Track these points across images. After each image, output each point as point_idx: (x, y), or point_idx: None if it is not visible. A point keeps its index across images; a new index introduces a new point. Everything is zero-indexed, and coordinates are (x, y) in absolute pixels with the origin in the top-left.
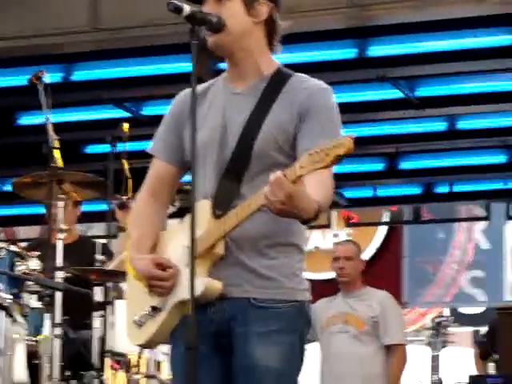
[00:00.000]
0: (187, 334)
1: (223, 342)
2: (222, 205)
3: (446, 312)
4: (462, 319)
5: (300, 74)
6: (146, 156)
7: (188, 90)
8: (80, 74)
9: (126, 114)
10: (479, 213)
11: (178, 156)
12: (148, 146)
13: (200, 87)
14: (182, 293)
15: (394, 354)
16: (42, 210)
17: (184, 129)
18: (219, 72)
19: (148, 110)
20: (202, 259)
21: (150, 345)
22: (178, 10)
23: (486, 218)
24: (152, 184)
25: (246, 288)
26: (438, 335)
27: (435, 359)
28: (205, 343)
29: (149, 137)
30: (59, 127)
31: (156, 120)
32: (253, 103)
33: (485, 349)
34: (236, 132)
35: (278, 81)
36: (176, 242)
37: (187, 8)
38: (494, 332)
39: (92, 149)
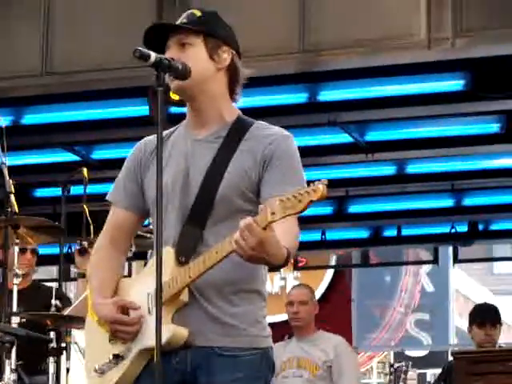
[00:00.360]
0: (156, 382)
1: None
2: (185, 251)
3: (391, 355)
4: (406, 361)
5: (261, 122)
6: (96, 199)
7: (147, 138)
8: (30, 118)
9: (76, 158)
10: (425, 256)
11: (137, 203)
12: (96, 189)
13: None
14: (147, 340)
15: None
16: None
17: (143, 176)
18: (173, 117)
19: (98, 154)
20: (165, 306)
21: None
22: (144, 57)
23: (433, 262)
24: (111, 231)
25: (210, 336)
26: (398, 381)
27: None
28: None
29: (98, 180)
30: (8, 170)
31: (105, 164)
32: (215, 150)
33: None
34: (198, 178)
35: (239, 128)
36: (139, 289)
37: (153, 55)
38: (448, 376)
39: (41, 192)
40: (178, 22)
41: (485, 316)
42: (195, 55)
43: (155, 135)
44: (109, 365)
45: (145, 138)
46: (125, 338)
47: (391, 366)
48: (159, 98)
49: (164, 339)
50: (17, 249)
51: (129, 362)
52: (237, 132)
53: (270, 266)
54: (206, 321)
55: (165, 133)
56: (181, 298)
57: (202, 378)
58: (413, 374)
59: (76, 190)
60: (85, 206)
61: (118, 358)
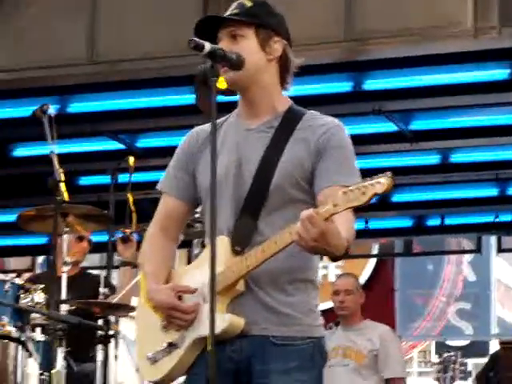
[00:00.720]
0: (208, 371)
1: (243, 380)
2: (241, 241)
3: (433, 344)
4: (448, 351)
5: (313, 112)
6: (139, 188)
7: (199, 127)
8: (76, 106)
9: (121, 146)
10: (467, 245)
11: (188, 193)
12: (140, 178)
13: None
14: (203, 329)
15: None
16: (31, 241)
17: (196, 166)
18: (220, 105)
19: (142, 143)
20: (221, 296)
21: (165, 381)
22: (199, 47)
23: (476, 251)
24: (161, 220)
25: (265, 325)
26: (446, 371)
27: None
28: (223, 381)
29: (142, 169)
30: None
31: (150, 152)
32: (268, 139)
33: (482, 382)
34: (252, 168)
35: (291, 118)
36: (193, 278)
37: (208, 45)
38: (495, 365)
39: (86, 180)
40: (228, 13)
41: None
42: (247, 47)
43: (206, 124)
44: (162, 353)
45: (196, 127)
46: (180, 326)
47: (440, 356)
48: (213, 88)
49: (221, 328)
50: (67, 237)
51: (183, 351)
52: (289, 121)
53: (331, 256)
54: (260, 310)
55: (217, 121)
56: (237, 287)
57: (256, 367)
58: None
59: (122, 178)
60: (129, 195)
61: (171, 346)
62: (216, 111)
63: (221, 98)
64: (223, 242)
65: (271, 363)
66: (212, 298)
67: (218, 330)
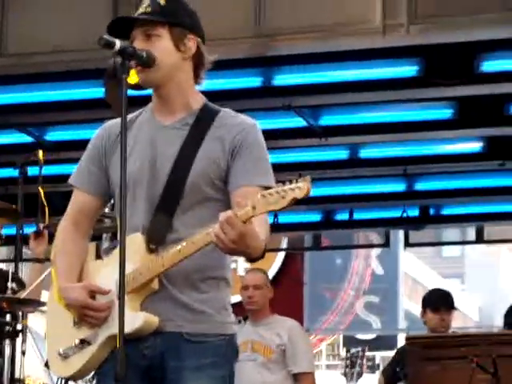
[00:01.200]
0: (117, 367)
1: (156, 376)
2: (155, 239)
3: (341, 338)
4: (356, 344)
5: (227, 110)
6: (49, 181)
7: (111, 122)
8: None
9: (30, 139)
10: (375, 239)
11: (100, 188)
12: (49, 170)
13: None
14: (116, 327)
15: (303, 382)
16: None
17: (108, 161)
18: (130, 100)
19: (52, 136)
20: (135, 293)
21: (76, 377)
22: (109, 44)
23: (384, 245)
24: (74, 214)
25: (179, 322)
26: (353, 366)
27: None
28: (135, 378)
29: (52, 162)
30: None
31: (59, 145)
32: (182, 137)
33: (388, 377)
34: (167, 166)
35: (206, 115)
36: (107, 274)
37: (118, 43)
38: (401, 360)
39: None
40: (141, 11)
41: (439, 301)
42: (161, 46)
43: (119, 119)
44: (74, 349)
45: (108, 122)
46: (94, 323)
47: (347, 351)
48: (124, 84)
49: (135, 327)
50: None
51: (95, 347)
52: (204, 119)
53: (249, 257)
54: (174, 307)
55: (129, 117)
56: (151, 285)
57: (170, 363)
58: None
59: (31, 171)
60: (40, 188)
61: (83, 343)
62: (126, 106)
63: (131, 93)
64: (137, 240)
65: (185, 360)
66: (121, 297)
67: (132, 328)
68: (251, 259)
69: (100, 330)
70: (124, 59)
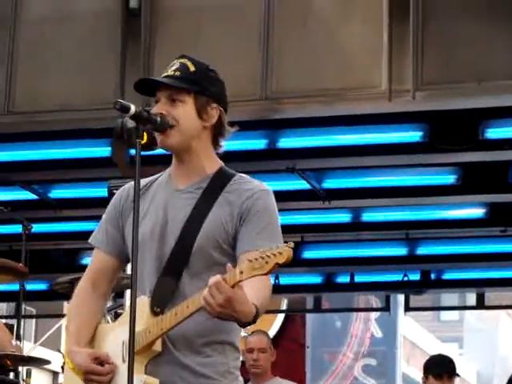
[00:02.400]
0: None
1: None
2: (160, 302)
3: None
4: None
5: (242, 175)
6: (52, 238)
7: (130, 184)
8: None
9: (34, 197)
10: (375, 302)
11: (118, 248)
12: (53, 228)
13: (143, 181)
14: None
15: None
16: None
17: (124, 223)
18: (133, 159)
19: (55, 193)
20: (139, 356)
21: None
22: (124, 109)
23: (385, 309)
24: (92, 274)
25: None
26: None
27: None
28: None
29: (54, 219)
30: None
31: (63, 203)
32: (194, 201)
33: None
34: (176, 229)
35: (220, 180)
36: (114, 337)
37: (133, 108)
38: None
39: None
40: (169, 73)
41: (442, 368)
42: (185, 113)
43: (140, 180)
44: None
45: (129, 183)
46: None
47: None
48: (137, 148)
49: None
50: None
51: None
52: (217, 184)
53: (238, 322)
54: (178, 370)
55: (147, 180)
56: (153, 348)
57: None
58: None
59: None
60: None
61: None
62: (128, 164)
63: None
64: (143, 303)
65: None
66: (131, 359)
67: None
68: (241, 324)
69: None
70: (138, 123)
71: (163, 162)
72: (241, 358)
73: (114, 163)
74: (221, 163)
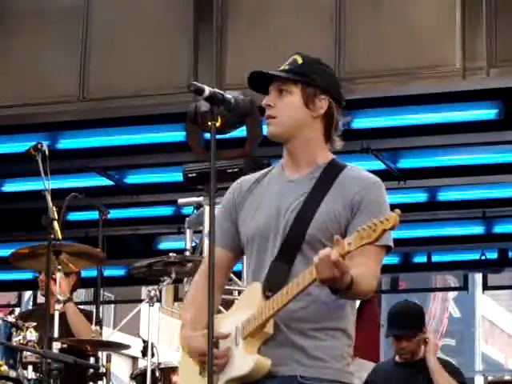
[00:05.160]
0: None
1: None
2: (273, 286)
3: None
4: None
5: (353, 166)
6: (128, 224)
7: (243, 178)
8: (65, 143)
9: (110, 182)
10: (453, 282)
11: (232, 242)
12: (129, 213)
13: (257, 174)
14: (233, 371)
15: None
16: (18, 276)
17: (238, 215)
18: (209, 143)
19: (131, 179)
20: (252, 338)
21: None
22: (199, 91)
23: (463, 288)
24: (207, 268)
25: (294, 367)
26: None
27: None
28: None
29: (130, 205)
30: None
31: (139, 189)
32: (307, 191)
33: None
34: (290, 218)
35: (331, 171)
36: (228, 323)
37: (207, 89)
38: None
39: (75, 216)
40: (281, 68)
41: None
42: (291, 103)
43: (251, 174)
44: None
45: (241, 178)
46: (214, 370)
47: None
48: (212, 130)
49: (247, 369)
50: (59, 274)
51: None
52: (329, 175)
53: (332, 287)
54: (290, 352)
55: (261, 172)
56: (265, 330)
57: None
58: None
59: (111, 214)
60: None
61: None
62: (203, 147)
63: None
64: (255, 288)
65: None
66: (210, 336)
67: (243, 371)
68: (333, 289)
69: (221, 376)
70: (213, 105)
71: (238, 145)
72: (353, 345)
73: (188, 147)
74: (332, 156)
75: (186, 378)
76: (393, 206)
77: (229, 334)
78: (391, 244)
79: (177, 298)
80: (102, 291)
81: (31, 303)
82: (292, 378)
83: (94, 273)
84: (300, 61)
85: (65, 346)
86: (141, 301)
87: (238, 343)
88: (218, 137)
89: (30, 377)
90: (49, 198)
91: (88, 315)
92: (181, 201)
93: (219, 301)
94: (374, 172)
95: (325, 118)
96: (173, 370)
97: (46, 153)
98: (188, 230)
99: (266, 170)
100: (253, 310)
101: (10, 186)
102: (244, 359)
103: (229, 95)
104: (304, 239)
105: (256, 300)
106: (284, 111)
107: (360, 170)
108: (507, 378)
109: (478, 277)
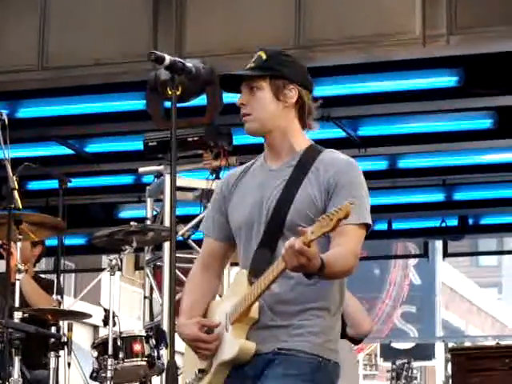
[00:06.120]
0: (168, 379)
1: None
2: (257, 273)
3: (378, 347)
4: (393, 354)
5: (329, 150)
6: (89, 192)
7: (231, 172)
8: (25, 112)
9: (70, 151)
10: (413, 250)
11: (225, 233)
12: (90, 182)
13: (242, 167)
14: (223, 354)
15: None
16: None
17: (227, 207)
18: (169, 111)
19: (92, 148)
20: (240, 323)
21: None
22: (159, 60)
23: (423, 255)
24: (203, 258)
25: (275, 343)
26: (399, 378)
27: None
28: None
29: (91, 174)
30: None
31: (99, 157)
32: (286, 179)
33: None
34: (270, 206)
35: (308, 157)
36: (220, 310)
37: (167, 58)
38: None
39: (35, 185)
40: (248, 66)
41: None
42: (262, 98)
43: (237, 167)
44: (196, 379)
45: (228, 173)
46: (206, 355)
47: (393, 363)
48: (173, 99)
49: (234, 353)
50: (20, 244)
51: (210, 375)
52: (306, 161)
53: (305, 273)
54: (274, 331)
55: (246, 165)
56: (250, 315)
57: (265, 373)
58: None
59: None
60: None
61: (202, 372)
62: (162, 116)
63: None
64: (243, 275)
65: (273, 369)
66: (171, 325)
67: (231, 355)
68: (306, 274)
69: (213, 359)
70: (173, 73)
71: (197, 114)
72: (339, 323)
73: (149, 116)
74: (310, 141)
75: (188, 363)
76: None
77: (219, 323)
78: (368, 221)
79: (137, 266)
80: (62, 260)
81: None
82: (270, 352)
83: (54, 242)
84: (264, 56)
85: (26, 315)
86: (102, 270)
87: (227, 329)
88: (179, 105)
89: None
90: (9, 167)
91: (49, 284)
92: (141, 169)
93: (217, 288)
94: (335, 140)
95: (297, 105)
96: (134, 338)
97: (6, 122)
98: (149, 199)
99: (250, 162)
100: (239, 297)
101: None
102: (232, 344)
103: (189, 64)
104: (284, 225)
105: (243, 287)
106: (257, 107)
107: (335, 153)
108: (467, 344)
109: (439, 244)
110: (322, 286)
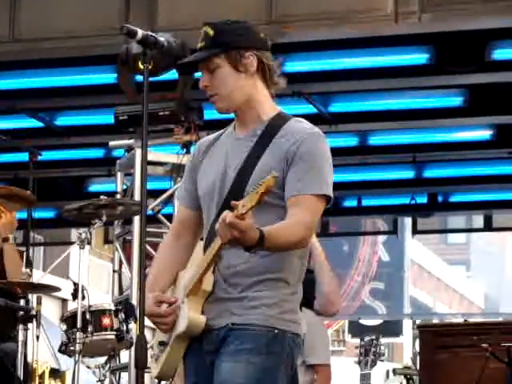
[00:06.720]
0: (137, 353)
1: None
2: (211, 242)
3: (346, 324)
4: (361, 331)
5: (296, 118)
6: (59, 166)
7: (203, 140)
8: None
9: (40, 124)
10: (382, 226)
11: (196, 202)
12: (60, 155)
13: (215, 134)
14: (177, 328)
15: (319, 373)
16: None
17: (196, 174)
18: (140, 85)
19: (62, 121)
20: (194, 296)
21: (161, 377)
22: (131, 33)
23: (392, 232)
24: (176, 226)
25: (229, 318)
26: (367, 354)
27: (365, 377)
28: (206, 373)
29: (61, 147)
30: None
31: (69, 130)
32: (249, 148)
33: None
34: (231, 176)
35: (274, 126)
36: (182, 282)
37: (140, 32)
38: None
39: (4, 158)
40: (198, 46)
41: None
42: (222, 75)
43: (211, 135)
44: (159, 351)
45: (200, 140)
46: (164, 328)
47: (361, 339)
48: (145, 73)
49: (184, 326)
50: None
51: (169, 347)
52: (271, 130)
53: (244, 246)
54: (228, 304)
55: (218, 132)
56: (203, 287)
57: (221, 350)
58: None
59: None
60: None
61: (163, 344)
62: (134, 89)
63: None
64: (200, 246)
65: (228, 345)
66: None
67: (182, 328)
68: (246, 247)
69: (172, 332)
70: (146, 47)
71: (170, 88)
72: (298, 294)
73: (120, 89)
74: (278, 109)
75: (159, 334)
76: None
77: (174, 299)
78: (326, 192)
79: (107, 240)
80: (32, 233)
81: None
82: (225, 328)
83: (24, 215)
84: (211, 32)
85: None
86: (71, 243)
87: (183, 301)
88: (150, 79)
89: None
90: None
91: (20, 256)
92: (112, 143)
93: (187, 258)
94: (305, 116)
95: (259, 70)
96: (103, 312)
97: None
98: (119, 173)
99: (222, 130)
100: (196, 268)
101: None
102: (184, 317)
103: (161, 38)
104: (243, 196)
105: (198, 258)
106: (220, 85)
107: (301, 122)
108: (435, 321)
109: (408, 221)
110: (280, 257)
